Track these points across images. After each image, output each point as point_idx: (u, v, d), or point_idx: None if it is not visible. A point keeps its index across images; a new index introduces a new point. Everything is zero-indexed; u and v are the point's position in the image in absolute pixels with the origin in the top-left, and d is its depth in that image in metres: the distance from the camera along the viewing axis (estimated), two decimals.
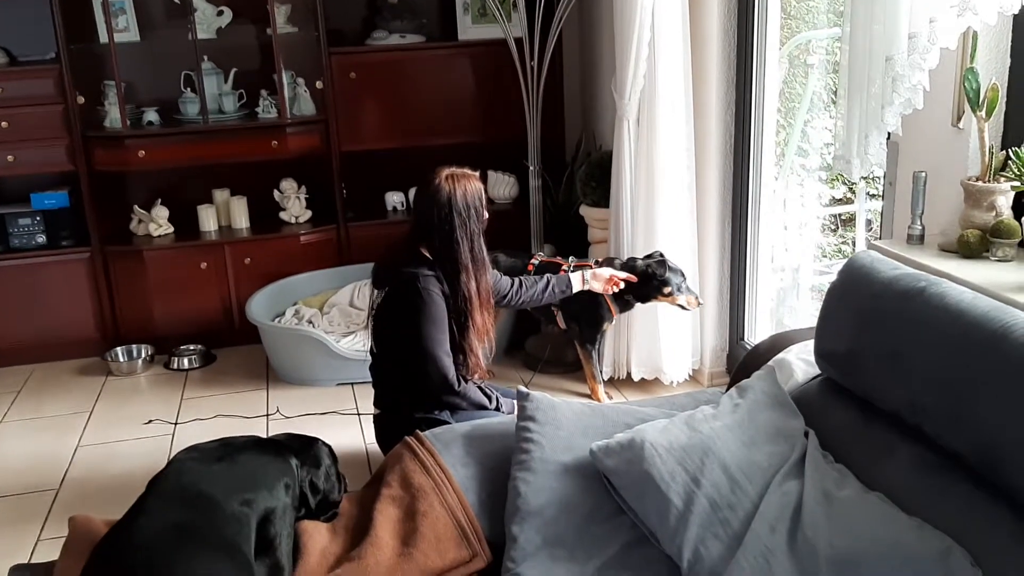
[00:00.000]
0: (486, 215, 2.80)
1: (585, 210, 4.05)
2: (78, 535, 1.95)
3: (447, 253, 2.71)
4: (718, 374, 3.83)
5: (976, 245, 2.13)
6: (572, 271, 3.36)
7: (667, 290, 3.36)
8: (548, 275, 3.24)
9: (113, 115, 4.20)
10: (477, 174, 2.80)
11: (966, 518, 1.59)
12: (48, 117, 4.12)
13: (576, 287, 3.23)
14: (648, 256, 3.47)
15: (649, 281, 3.36)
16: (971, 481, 1.63)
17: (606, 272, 3.30)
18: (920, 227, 2.30)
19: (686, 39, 3.43)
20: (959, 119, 2.28)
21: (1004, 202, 2.15)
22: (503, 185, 4.66)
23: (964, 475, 1.65)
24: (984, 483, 1.61)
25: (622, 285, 3.31)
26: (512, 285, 3.12)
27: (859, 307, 1.92)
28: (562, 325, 3.64)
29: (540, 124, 4.09)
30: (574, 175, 4.31)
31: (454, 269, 2.70)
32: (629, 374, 3.82)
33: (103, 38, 4.09)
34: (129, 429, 3.68)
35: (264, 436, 2.21)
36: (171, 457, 2.01)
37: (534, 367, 4.00)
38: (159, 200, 4.45)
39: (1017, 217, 2.09)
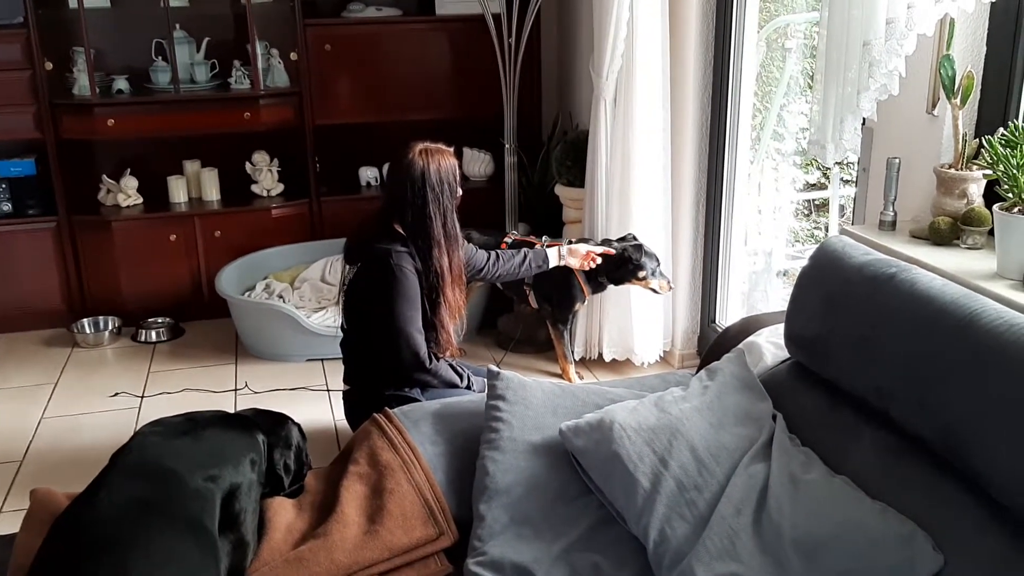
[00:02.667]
0: (460, 191, 2.77)
1: (560, 189, 4.03)
2: (39, 508, 1.93)
3: (420, 229, 2.68)
4: (689, 356, 3.84)
5: (947, 232, 2.15)
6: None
7: (642, 274, 3.39)
8: (525, 249, 3.23)
9: (82, 82, 4.12)
10: (451, 149, 2.77)
11: (929, 503, 1.60)
12: (15, 83, 4.03)
13: (552, 262, 3.23)
14: (622, 239, 3.48)
15: (624, 264, 3.38)
16: (935, 466, 1.65)
17: (582, 248, 3.30)
18: (892, 213, 2.31)
19: (664, 19, 3.42)
20: (934, 106, 2.29)
21: (976, 190, 2.16)
22: (478, 162, 4.63)
23: (929, 460, 1.66)
24: (948, 468, 1.62)
25: (599, 261, 3.31)
26: (488, 259, 3.11)
27: (829, 291, 1.93)
28: (534, 305, 3.63)
29: (517, 102, 4.06)
30: (550, 154, 4.29)
31: (427, 245, 2.68)
32: (601, 354, 3.82)
33: (72, 3, 3.99)
34: (95, 402, 3.63)
35: (231, 411, 2.18)
36: (136, 431, 1.98)
37: (506, 346, 4.00)
38: (128, 170, 4.38)
39: (988, 205, 2.09)
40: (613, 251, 3.35)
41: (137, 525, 1.65)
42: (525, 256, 3.18)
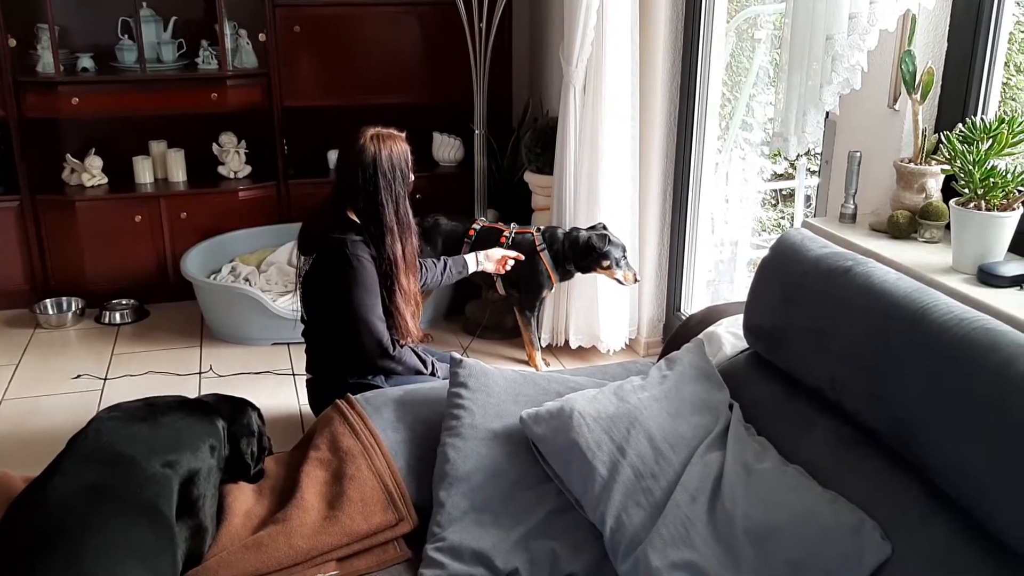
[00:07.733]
0: (412, 177, 2.74)
1: (529, 176, 4.03)
2: None
3: (372, 216, 2.66)
4: (654, 344, 3.87)
5: (905, 226, 2.18)
6: (512, 237, 3.47)
7: (606, 263, 3.41)
8: (444, 258, 3.23)
9: (46, 60, 4.06)
10: (404, 135, 2.74)
11: (879, 493, 1.63)
12: None
13: (471, 268, 3.24)
14: (592, 227, 3.49)
15: (590, 253, 3.40)
16: (886, 457, 1.68)
17: (496, 253, 3.31)
18: (853, 206, 2.34)
19: (634, 8, 3.42)
20: (895, 101, 2.31)
21: (934, 184, 2.19)
22: (448, 148, 4.62)
23: (879, 451, 1.69)
24: (898, 459, 1.65)
25: (510, 265, 3.33)
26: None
27: (787, 283, 1.95)
28: (501, 291, 3.64)
29: (487, 87, 4.05)
30: (520, 140, 4.29)
31: (379, 232, 2.66)
32: (567, 341, 3.84)
33: None
34: (56, 383, 3.60)
35: (193, 395, 2.17)
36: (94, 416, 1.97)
37: (473, 332, 4.01)
38: (93, 149, 4.32)
39: (946, 200, 2.13)
40: (523, 256, 3.36)
41: (90, 510, 1.64)
42: (446, 264, 3.19)
